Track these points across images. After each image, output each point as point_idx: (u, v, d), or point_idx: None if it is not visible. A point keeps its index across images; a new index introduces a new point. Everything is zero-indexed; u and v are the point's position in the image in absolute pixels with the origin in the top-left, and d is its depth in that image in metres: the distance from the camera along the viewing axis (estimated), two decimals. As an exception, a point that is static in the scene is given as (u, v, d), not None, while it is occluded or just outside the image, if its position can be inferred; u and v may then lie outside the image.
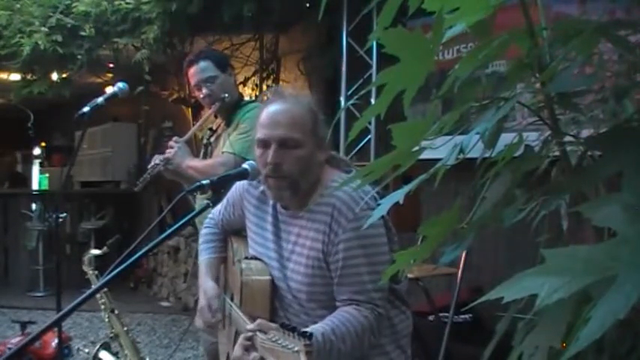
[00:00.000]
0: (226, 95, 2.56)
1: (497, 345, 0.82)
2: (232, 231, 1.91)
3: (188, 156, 2.55)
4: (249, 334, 1.38)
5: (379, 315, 1.53)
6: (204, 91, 2.58)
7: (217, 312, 1.75)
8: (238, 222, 1.85)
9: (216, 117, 2.71)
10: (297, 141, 1.56)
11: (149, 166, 2.52)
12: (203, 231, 1.97)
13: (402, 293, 1.67)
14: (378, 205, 0.81)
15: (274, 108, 1.61)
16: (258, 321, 1.38)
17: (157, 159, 2.52)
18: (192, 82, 2.62)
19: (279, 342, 1.24)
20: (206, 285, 1.80)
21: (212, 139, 2.72)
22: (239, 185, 1.81)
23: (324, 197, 1.57)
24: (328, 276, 1.56)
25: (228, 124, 2.63)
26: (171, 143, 2.55)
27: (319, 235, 1.56)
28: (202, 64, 2.58)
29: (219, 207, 1.89)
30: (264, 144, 1.58)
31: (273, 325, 1.34)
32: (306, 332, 1.19)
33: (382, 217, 1.54)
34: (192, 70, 2.60)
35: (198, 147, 2.86)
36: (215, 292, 1.78)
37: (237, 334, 1.67)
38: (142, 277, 6.91)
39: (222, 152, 2.52)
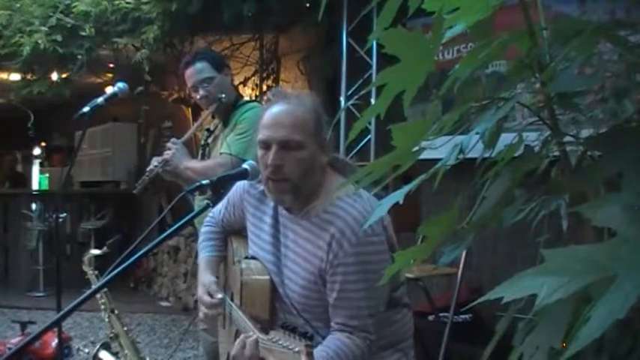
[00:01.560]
0: (223, 96, 2.55)
1: (497, 345, 0.82)
2: (232, 230, 1.91)
3: (186, 157, 2.54)
4: (250, 333, 1.39)
5: (371, 342, 1.51)
6: (201, 92, 2.57)
7: (217, 292, 1.72)
8: (238, 222, 1.84)
9: (213, 117, 2.71)
10: (299, 143, 1.54)
11: (147, 169, 2.52)
12: (203, 229, 1.96)
13: (401, 297, 1.65)
14: (380, 206, 0.81)
15: (277, 109, 1.59)
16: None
17: (155, 161, 2.52)
18: (189, 83, 2.62)
19: (280, 342, 1.24)
20: (204, 278, 1.79)
21: (210, 140, 2.72)
22: (239, 185, 1.80)
23: (327, 212, 1.53)
24: (323, 291, 1.54)
25: (225, 125, 2.62)
26: (169, 145, 2.55)
27: (318, 251, 1.53)
28: (198, 65, 2.57)
29: (219, 206, 1.87)
30: (266, 145, 1.56)
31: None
32: (306, 333, 1.19)
33: (387, 240, 1.52)
34: (188, 72, 2.59)
35: (198, 148, 2.86)
36: (213, 281, 1.76)
37: (237, 333, 1.67)
38: (142, 277, 6.91)
39: (220, 153, 2.52)
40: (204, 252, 1.91)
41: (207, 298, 1.72)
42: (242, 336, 1.44)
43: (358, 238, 1.47)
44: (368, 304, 1.49)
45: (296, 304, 1.59)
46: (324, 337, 1.52)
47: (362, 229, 1.46)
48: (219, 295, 1.72)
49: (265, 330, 1.61)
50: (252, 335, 1.41)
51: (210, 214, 1.94)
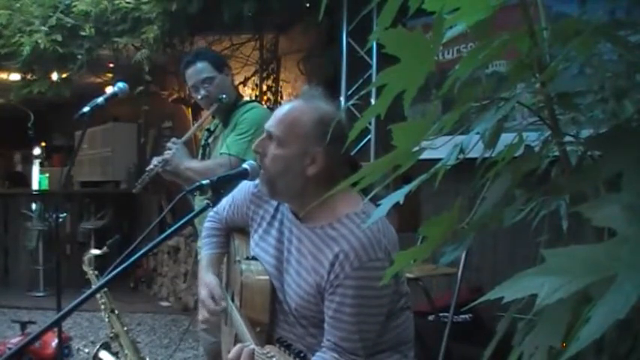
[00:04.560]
0: (224, 96, 2.55)
1: (497, 345, 0.82)
2: (236, 228, 1.90)
3: (186, 157, 2.54)
4: (248, 343, 1.40)
5: None
6: (202, 92, 2.57)
7: (221, 300, 1.71)
8: (241, 221, 1.83)
9: (213, 117, 2.71)
10: (279, 139, 1.54)
11: (147, 168, 2.52)
12: (206, 224, 1.95)
13: (403, 304, 1.63)
14: (380, 207, 0.81)
15: (287, 104, 1.63)
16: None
17: (155, 160, 2.52)
18: (190, 83, 2.62)
19: (275, 359, 1.26)
20: (207, 279, 1.78)
21: (210, 140, 2.72)
22: (245, 185, 1.79)
23: (333, 228, 1.51)
24: (321, 305, 1.52)
25: (225, 125, 2.62)
26: (169, 144, 2.55)
27: (320, 268, 1.51)
28: (199, 65, 2.57)
29: (224, 202, 1.85)
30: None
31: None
32: (300, 352, 1.21)
33: (396, 273, 1.50)
34: (189, 72, 2.59)
35: (198, 148, 2.86)
36: (217, 283, 1.75)
37: (237, 335, 1.67)
38: (142, 277, 6.91)
39: (220, 154, 2.52)
40: (207, 248, 1.90)
41: (210, 303, 1.71)
42: (240, 345, 1.44)
43: (361, 263, 1.45)
44: (360, 329, 1.47)
45: (294, 310, 1.59)
46: (319, 344, 1.52)
47: (366, 254, 1.45)
48: (223, 304, 1.71)
49: (265, 334, 1.61)
50: (250, 346, 1.41)
51: (215, 210, 1.90)
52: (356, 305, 1.46)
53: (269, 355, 1.28)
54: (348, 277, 1.45)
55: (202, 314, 1.74)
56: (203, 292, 1.75)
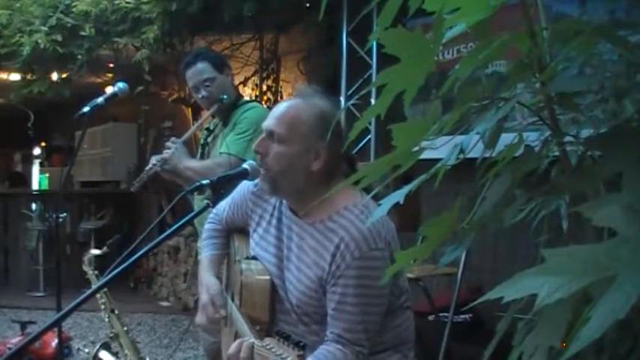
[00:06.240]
0: (225, 97, 2.55)
1: (497, 345, 0.82)
2: (235, 228, 1.90)
3: (185, 157, 2.53)
4: (247, 338, 1.40)
5: (364, 355, 1.50)
6: (203, 92, 2.57)
7: (221, 308, 1.71)
8: (241, 221, 1.83)
9: (213, 117, 2.71)
10: (282, 137, 1.54)
11: (146, 168, 2.52)
12: (206, 226, 1.95)
13: (404, 301, 1.63)
14: (380, 206, 0.81)
15: (284, 102, 1.64)
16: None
17: (154, 159, 2.52)
18: (190, 84, 2.61)
19: (274, 350, 1.26)
20: (208, 281, 1.77)
21: (209, 139, 2.72)
22: (244, 185, 1.79)
23: (333, 221, 1.52)
24: (323, 300, 1.53)
25: (225, 124, 2.62)
26: (168, 144, 2.55)
27: (321, 260, 1.52)
28: (200, 65, 2.57)
29: (223, 204, 1.85)
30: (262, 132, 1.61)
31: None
32: (299, 342, 1.21)
33: (391, 255, 1.48)
34: (189, 73, 2.59)
35: (198, 147, 2.86)
36: (218, 288, 1.75)
37: (237, 334, 1.67)
38: (142, 277, 6.91)
39: (220, 153, 2.51)
40: (207, 250, 1.90)
41: (210, 310, 1.70)
42: (240, 339, 1.44)
43: (361, 253, 1.46)
44: (364, 319, 1.48)
45: (296, 307, 1.59)
46: (322, 341, 1.52)
47: (366, 244, 1.46)
48: (223, 312, 1.70)
49: (265, 332, 1.61)
50: (249, 340, 1.42)
51: (214, 211, 1.92)
52: (358, 295, 1.47)
53: (268, 346, 1.29)
54: (349, 267, 1.47)
55: (201, 319, 1.74)
56: (204, 297, 1.74)
